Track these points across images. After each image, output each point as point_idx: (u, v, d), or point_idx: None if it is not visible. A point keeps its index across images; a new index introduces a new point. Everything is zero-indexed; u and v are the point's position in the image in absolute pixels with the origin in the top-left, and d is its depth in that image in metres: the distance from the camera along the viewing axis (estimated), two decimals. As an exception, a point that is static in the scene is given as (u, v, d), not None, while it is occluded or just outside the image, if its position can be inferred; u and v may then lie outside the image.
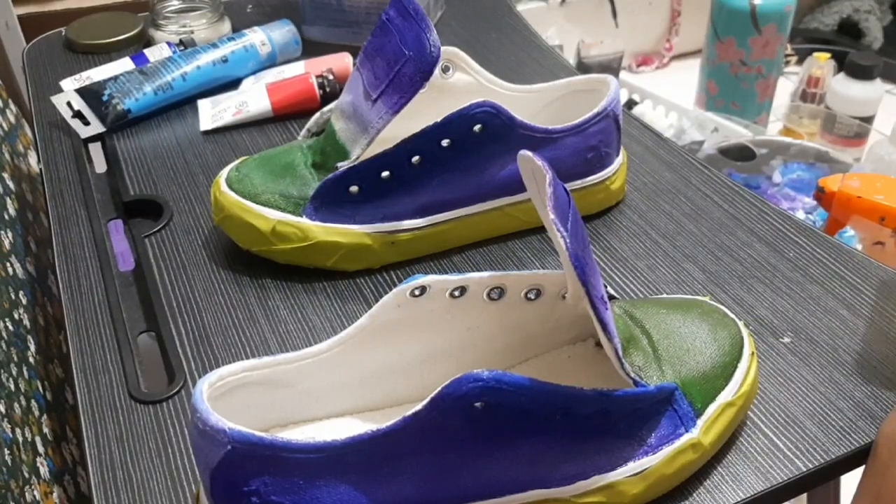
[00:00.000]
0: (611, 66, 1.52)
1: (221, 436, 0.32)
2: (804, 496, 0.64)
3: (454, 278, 0.39)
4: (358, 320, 0.38)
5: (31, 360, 0.62)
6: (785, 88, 1.55)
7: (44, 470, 0.56)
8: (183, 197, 0.61)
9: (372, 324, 0.39)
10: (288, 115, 0.71)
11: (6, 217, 0.69)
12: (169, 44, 0.77)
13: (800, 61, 1.65)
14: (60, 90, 0.71)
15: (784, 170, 1.14)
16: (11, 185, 0.74)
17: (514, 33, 0.83)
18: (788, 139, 1.25)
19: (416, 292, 0.39)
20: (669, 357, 0.40)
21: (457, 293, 0.40)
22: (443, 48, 0.51)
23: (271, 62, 0.77)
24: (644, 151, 0.65)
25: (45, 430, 0.60)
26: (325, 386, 0.39)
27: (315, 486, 0.33)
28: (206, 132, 0.69)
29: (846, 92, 1.39)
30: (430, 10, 0.83)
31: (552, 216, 0.34)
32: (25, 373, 0.60)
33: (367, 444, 0.33)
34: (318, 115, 0.57)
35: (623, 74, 1.64)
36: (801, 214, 1.09)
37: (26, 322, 0.64)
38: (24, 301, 0.65)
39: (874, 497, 0.37)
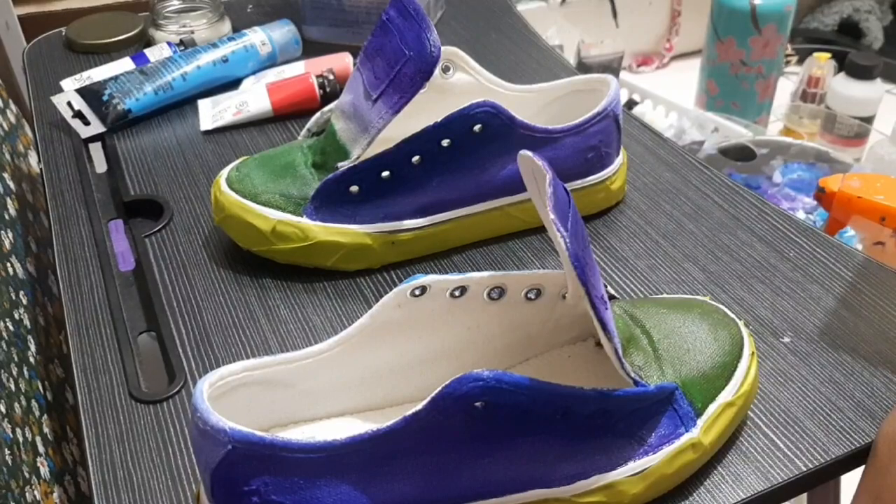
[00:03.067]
0: (611, 66, 1.52)
1: (222, 435, 0.32)
2: (804, 496, 0.64)
3: (454, 278, 0.39)
4: (358, 320, 0.39)
5: (31, 360, 0.62)
6: (785, 88, 1.55)
7: (44, 470, 0.56)
8: (183, 197, 0.61)
9: (372, 323, 0.39)
10: (288, 114, 0.71)
11: (6, 217, 0.69)
12: (169, 44, 0.77)
13: (800, 61, 1.65)
14: (61, 90, 0.71)
15: (784, 170, 1.14)
16: (11, 185, 0.74)
17: (514, 33, 0.83)
18: (788, 139, 1.25)
19: (417, 292, 0.39)
20: (669, 357, 0.40)
21: (457, 293, 0.40)
22: (443, 48, 0.51)
23: (271, 62, 0.77)
24: (644, 151, 0.65)
25: (46, 430, 0.60)
26: (325, 386, 0.39)
27: (315, 486, 0.33)
28: (207, 132, 0.69)
29: (846, 92, 1.39)
30: (430, 10, 0.83)
31: (552, 216, 0.34)
32: (26, 373, 0.60)
33: (367, 444, 0.33)
34: (318, 114, 0.57)
35: (623, 74, 1.64)
36: (801, 214, 1.09)
37: (27, 322, 0.64)
38: (24, 301, 0.65)
39: (874, 497, 0.37)
